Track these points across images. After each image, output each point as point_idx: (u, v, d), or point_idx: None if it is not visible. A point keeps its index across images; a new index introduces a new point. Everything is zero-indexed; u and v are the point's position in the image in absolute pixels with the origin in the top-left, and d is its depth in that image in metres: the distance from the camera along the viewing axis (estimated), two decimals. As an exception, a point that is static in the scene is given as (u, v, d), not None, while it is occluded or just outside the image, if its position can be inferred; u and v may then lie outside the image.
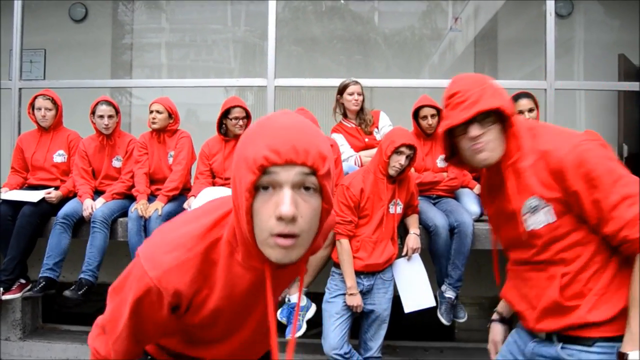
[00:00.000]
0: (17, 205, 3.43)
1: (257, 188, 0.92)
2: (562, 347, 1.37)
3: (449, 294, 3.17)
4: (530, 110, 3.36)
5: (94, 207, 3.44)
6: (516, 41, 5.81)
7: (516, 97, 3.42)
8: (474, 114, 1.36)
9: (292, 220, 0.90)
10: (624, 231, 1.25)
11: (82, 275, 3.33)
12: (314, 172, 0.91)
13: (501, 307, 1.73)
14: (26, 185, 3.72)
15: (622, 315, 1.27)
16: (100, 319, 1.16)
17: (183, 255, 1.02)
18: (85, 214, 3.42)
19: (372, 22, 6.39)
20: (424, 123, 3.47)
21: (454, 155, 1.51)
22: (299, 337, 3.09)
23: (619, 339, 1.27)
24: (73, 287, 3.29)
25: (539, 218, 1.36)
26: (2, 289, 3.33)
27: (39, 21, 5.31)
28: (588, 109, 5.50)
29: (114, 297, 1.10)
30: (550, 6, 4.04)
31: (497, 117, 1.40)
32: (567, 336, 1.36)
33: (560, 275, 1.35)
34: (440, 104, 3.46)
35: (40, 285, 3.30)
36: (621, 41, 5.18)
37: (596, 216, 1.29)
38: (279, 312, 3.18)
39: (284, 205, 0.89)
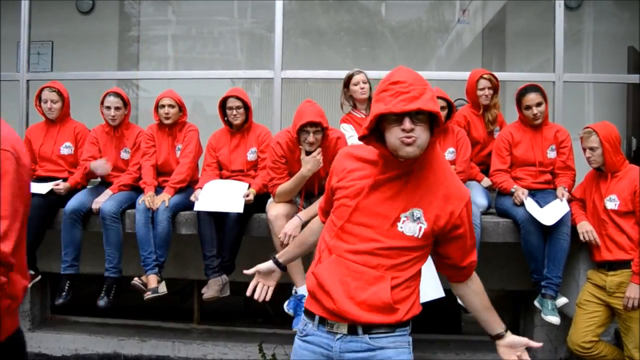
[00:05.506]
0: (26, 197, 3.44)
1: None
2: (369, 337, 1.52)
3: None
4: (539, 105, 3.29)
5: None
6: (524, 33, 5.77)
7: (523, 92, 3.34)
8: (417, 108, 1.38)
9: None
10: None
11: (106, 274, 3.37)
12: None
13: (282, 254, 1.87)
14: (34, 177, 3.73)
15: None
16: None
17: None
18: (95, 206, 3.41)
19: (379, 14, 6.35)
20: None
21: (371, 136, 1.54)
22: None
23: (409, 322, 1.57)
24: (102, 295, 3.32)
25: (411, 227, 1.51)
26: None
27: (46, 13, 5.31)
28: (596, 102, 5.45)
29: None
30: (559, -2, 4.00)
31: (428, 121, 1.44)
32: (371, 325, 1.51)
33: (390, 278, 1.50)
34: (449, 96, 3.45)
35: (66, 286, 3.35)
36: (631, 33, 5.12)
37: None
38: (285, 304, 3.19)
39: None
